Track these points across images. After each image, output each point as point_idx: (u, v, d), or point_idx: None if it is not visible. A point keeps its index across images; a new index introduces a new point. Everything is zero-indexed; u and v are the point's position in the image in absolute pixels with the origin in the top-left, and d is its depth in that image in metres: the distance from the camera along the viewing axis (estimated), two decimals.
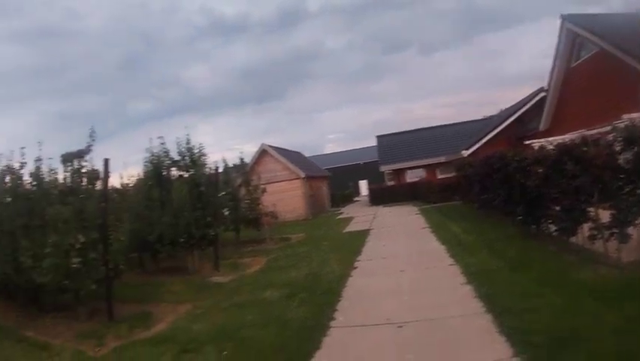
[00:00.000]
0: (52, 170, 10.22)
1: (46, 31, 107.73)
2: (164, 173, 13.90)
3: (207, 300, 10.03)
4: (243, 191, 20.77)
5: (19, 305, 11.70)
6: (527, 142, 17.77)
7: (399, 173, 37.83)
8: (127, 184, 16.67)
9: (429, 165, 35.60)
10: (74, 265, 8.67)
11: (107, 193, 9.37)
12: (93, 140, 9.52)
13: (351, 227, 21.81)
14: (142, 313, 9.41)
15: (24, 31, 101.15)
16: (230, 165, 21.35)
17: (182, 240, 12.93)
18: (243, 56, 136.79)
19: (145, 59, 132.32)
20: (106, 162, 9.19)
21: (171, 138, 13.83)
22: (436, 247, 12.40)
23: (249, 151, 55.57)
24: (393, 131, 42.57)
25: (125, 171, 16.69)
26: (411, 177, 36.53)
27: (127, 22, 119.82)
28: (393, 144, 39.82)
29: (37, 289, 10.30)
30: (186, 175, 13.89)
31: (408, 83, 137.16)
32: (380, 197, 36.41)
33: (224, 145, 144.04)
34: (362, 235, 17.39)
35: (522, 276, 7.97)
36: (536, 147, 12.09)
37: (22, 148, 10.58)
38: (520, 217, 11.70)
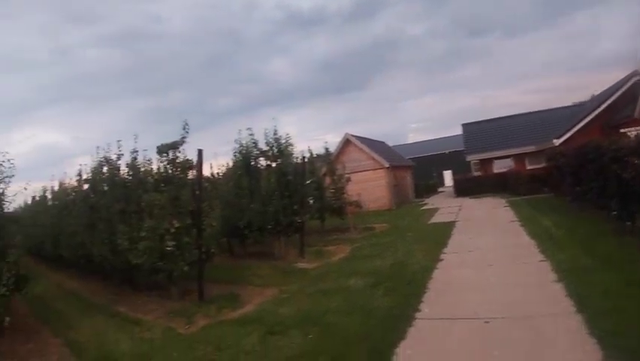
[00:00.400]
0: (147, 160, 11.06)
1: (131, 35, 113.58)
2: (252, 163, 14.41)
3: (293, 285, 10.31)
4: (327, 180, 20.95)
5: (113, 284, 12.78)
6: (623, 130, 16.73)
7: (485, 163, 35.91)
8: (217, 173, 17.39)
9: (517, 154, 33.57)
10: (169, 248, 9.26)
11: (201, 181, 9.83)
12: (187, 132, 10.06)
13: (436, 218, 21.19)
14: (230, 294, 9.84)
15: (112, 35, 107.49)
16: (315, 154, 21.46)
17: (269, 226, 13.48)
18: (322, 48, 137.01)
19: (227, 56, 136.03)
20: (199, 152, 9.64)
21: (255, 130, 14.32)
22: (525, 242, 11.88)
23: (331, 141, 55.52)
24: (480, 119, 40.47)
25: (214, 161, 17.42)
26: (498, 167, 34.49)
27: (207, 22, 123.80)
28: (479, 133, 37.93)
29: (131, 270, 11.11)
30: (274, 165, 14.30)
31: (493, 68, 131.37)
32: (466, 188, 34.78)
33: (306, 136, 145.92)
34: (447, 227, 16.89)
35: (616, 276, 7.48)
36: (633, 136, 11.38)
37: (119, 141, 11.53)
38: (615, 212, 11.08)
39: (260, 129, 14.50)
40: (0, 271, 7.27)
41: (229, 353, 6.42)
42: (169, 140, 10.02)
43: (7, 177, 8.08)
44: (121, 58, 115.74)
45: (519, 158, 33.31)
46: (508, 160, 33.91)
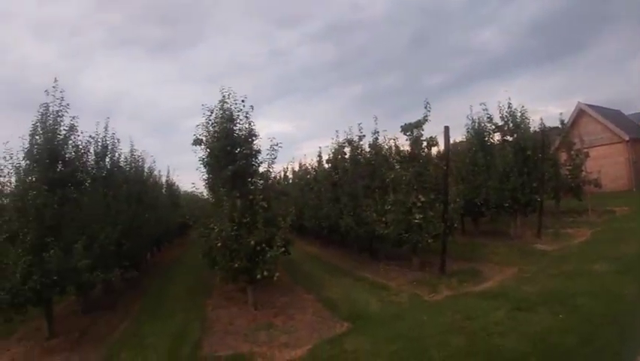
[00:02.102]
0: (388, 139, 12.02)
1: (337, 27, 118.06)
2: (486, 138, 14.23)
3: (533, 265, 10.08)
4: (563, 156, 19.44)
5: (352, 252, 14.14)
6: None
7: None
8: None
9: None
10: (416, 221, 9.81)
11: (448, 157, 10.05)
12: (429, 111, 10.38)
13: None
14: (470, 269, 10.07)
15: (319, 31, 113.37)
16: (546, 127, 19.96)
17: (506, 205, 13.18)
18: (531, 10, 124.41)
19: (432, 33, 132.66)
20: (446, 129, 9.80)
21: (467, 106, 14.25)
22: None
23: (551, 113, 51.76)
24: None
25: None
26: None
27: (407, 1, 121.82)
28: None
29: (372, 240, 11.92)
30: (510, 139, 13.78)
31: None
32: None
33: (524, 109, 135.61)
34: None
35: None
36: None
37: (359, 124, 12.69)
38: None
39: (475, 105, 14.06)
40: (273, 236, 8.41)
41: (478, 323, 6.60)
42: (384, 122, 10.57)
43: (274, 158, 9.28)
44: (330, 50, 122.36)
45: None
46: None
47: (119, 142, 12.50)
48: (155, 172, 19.57)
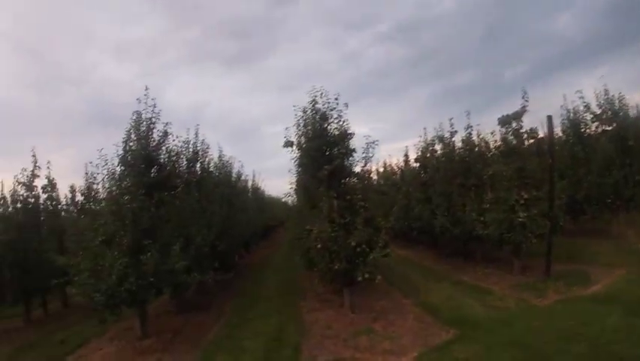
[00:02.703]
0: (479, 135, 11.57)
1: (408, 26, 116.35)
2: (583, 129, 13.38)
3: None
4: None
5: (444, 254, 13.60)
6: None
7: None
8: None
9: None
10: (520, 220, 9.25)
11: (552, 150, 9.46)
12: (526, 101, 9.77)
13: None
14: (576, 271, 9.46)
15: (390, 31, 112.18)
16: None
17: (608, 200, 12.22)
18: None
19: (507, 23, 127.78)
20: (549, 119, 9.30)
21: (548, 98, 13.40)
22: None
23: (638, 101, 48.54)
24: None
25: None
26: None
27: None
28: None
29: (467, 241, 11.53)
30: (609, 129, 12.81)
31: None
32: None
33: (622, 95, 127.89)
34: None
35: None
36: None
37: (451, 119, 12.15)
38: None
39: (556, 95, 13.23)
40: (373, 237, 8.22)
41: (595, 329, 6.21)
42: (463, 119, 10.12)
43: (371, 157, 9.08)
44: (401, 50, 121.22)
45: None
46: None
47: (208, 148, 12.80)
48: (243, 176, 20.16)
